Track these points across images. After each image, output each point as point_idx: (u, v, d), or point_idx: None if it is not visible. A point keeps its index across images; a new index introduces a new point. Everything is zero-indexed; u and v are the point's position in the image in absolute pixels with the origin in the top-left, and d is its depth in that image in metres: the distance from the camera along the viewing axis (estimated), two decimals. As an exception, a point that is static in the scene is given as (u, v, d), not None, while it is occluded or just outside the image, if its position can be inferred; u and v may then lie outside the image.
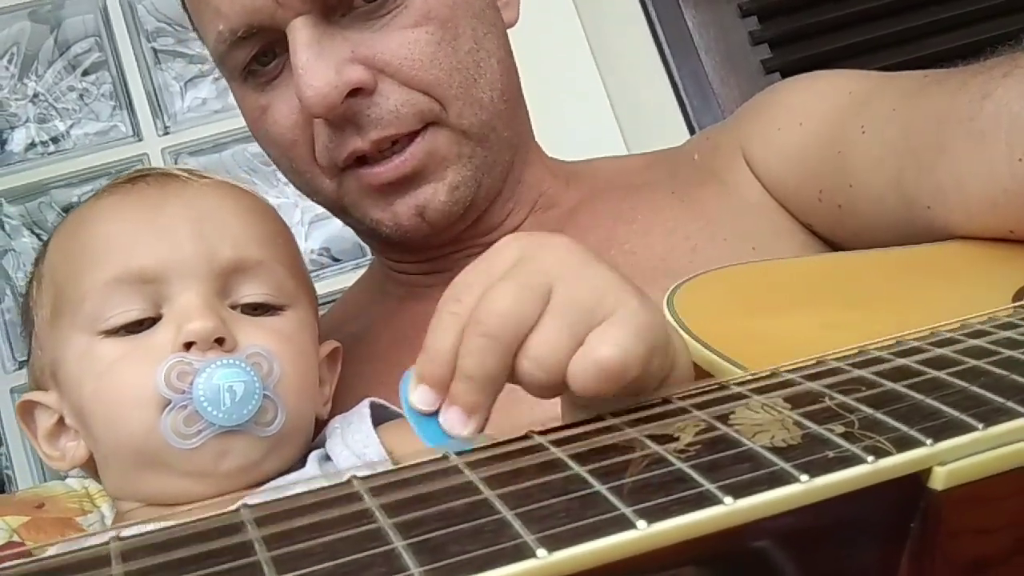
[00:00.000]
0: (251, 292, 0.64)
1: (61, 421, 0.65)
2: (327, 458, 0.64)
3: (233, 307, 0.63)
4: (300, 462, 0.66)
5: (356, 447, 0.62)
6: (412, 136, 0.70)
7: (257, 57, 0.71)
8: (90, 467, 0.67)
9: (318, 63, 0.66)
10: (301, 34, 0.67)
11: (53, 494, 0.87)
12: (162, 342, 0.60)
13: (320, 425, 0.69)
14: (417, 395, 0.41)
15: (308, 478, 0.61)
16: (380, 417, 0.66)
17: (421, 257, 0.83)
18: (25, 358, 1.37)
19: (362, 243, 1.46)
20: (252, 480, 0.61)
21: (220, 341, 0.60)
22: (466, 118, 0.72)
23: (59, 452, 0.66)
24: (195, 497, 0.60)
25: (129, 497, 0.64)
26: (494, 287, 0.41)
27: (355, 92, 0.68)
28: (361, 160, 0.71)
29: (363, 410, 0.66)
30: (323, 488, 0.32)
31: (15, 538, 0.79)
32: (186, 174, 0.68)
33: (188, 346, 0.59)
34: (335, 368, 0.73)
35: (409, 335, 0.80)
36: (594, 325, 0.40)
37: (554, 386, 0.40)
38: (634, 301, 0.41)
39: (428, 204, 0.72)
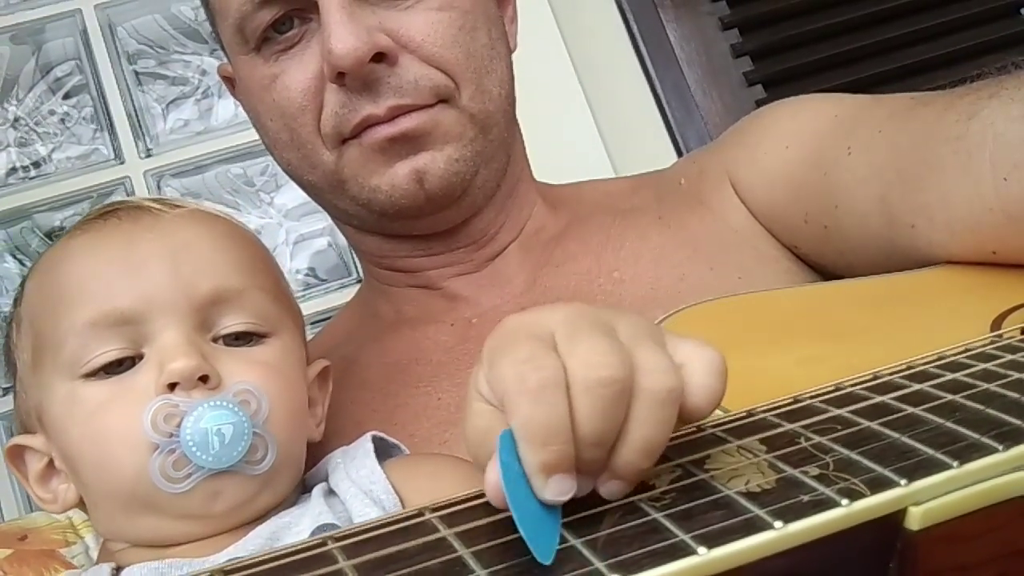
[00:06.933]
0: (233, 322, 0.63)
1: (51, 463, 0.64)
2: (331, 492, 0.64)
3: (216, 339, 0.62)
4: (295, 492, 0.65)
5: (362, 483, 0.62)
6: (425, 109, 0.73)
7: (275, 25, 0.73)
8: (84, 507, 0.67)
9: (351, 22, 0.69)
10: None
11: (36, 525, 0.86)
12: (145, 383, 0.59)
13: (314, 447, 0.69)
14: (555, 488, 0.35)
15: (315, 513, 0.60)
16: (380, 449, 0.66)
17: (411, 266, 0.82)
18: (10, 385, 1.37)
19: (347, 262, 1.46)
20: (246, 517, 0.60)
21: (204, 379, 0.59)
22: (476, 103, 0.75)
23: (51, 495, 0.65)
24: (189, 538, 0.59)
25: (121, 539, 0.63)
26: (576, 339, 0.38)
27: (379, 58, 0.71)
28: (369, 129, 0.73)
29: (367, 444, 0.66)
30: (298, 549, 0.32)
31: (-1, 572, 0.78)
32: (158, 205, 0.67)
33: (172, 386, 0.58)
34: (326, 387, 0.72)
35: (401, 362, 0.80)
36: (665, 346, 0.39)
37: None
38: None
39: (427, 170, 0.73)
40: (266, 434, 0.59)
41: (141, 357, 0.60)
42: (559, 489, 0.35)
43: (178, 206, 0.67)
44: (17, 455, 0.66)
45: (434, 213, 0.77)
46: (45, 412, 0.63)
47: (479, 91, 0.75)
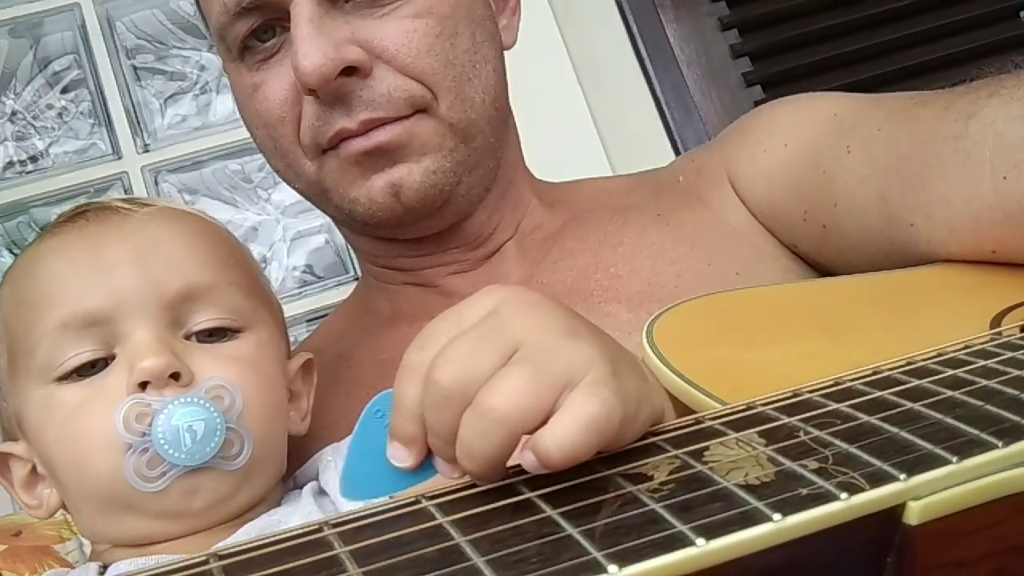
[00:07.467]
0: (205, 318, 0.63)
1: (35, 469, 0.64)
2: (322, 492, 0.64)
3: (188, 336, 0.62)
4: (278, 488, 0.65)
5: None
6: (400, 121, 0.71)
7: (256, 33, 0.72)
8: (68, 510, 0.66)
9: (318, 36, 0.68)
10: (305, 7, 0.68)
11: (30, 521, 0.86)
12: (117, 383, 0.59)
13: (305, 443, 0.68)
14: (392, 451, 0.41)
15: (306, 513, 0.60)
16: None
17: (406, 265, 0.82)
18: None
19: (344, 259, 1.46)
20: (228, 514, 0.60)
21: (176, 376, 0.58)
22: (455, 112, 0.73)
23: (37, 500, 0.65)
24: (171, 536, 0.59)
25: (104, 540, 0.63)
26: (455, 338, 0.40)
27: (350, 72, 0.69)
28: (345, 141, 0.72)
29: None
30: (294, 535, 0.32)
31: (-7, 568, 0.78)
32: (127, 205, 0.66)
33: (144, 386, 0.58)
34: (311, 379, 0.72)
35: (396, 358, 0.79)
36: (564, 389, 0.38)
37: (506, 445, 0.37)
38: (610, 369, 0.39)
39: (403, 183, 0.72)
40: (241, 429, 0.59)
41: (114, 358, 0.60)
42: (392, 452, 0.41)
43: (147, 205, 0.67)
44: (2, 463, 0.65)
45: (414, 223, 0.76)
46: (24, 418, 0.62)
47: (459, 100, 0.73)
